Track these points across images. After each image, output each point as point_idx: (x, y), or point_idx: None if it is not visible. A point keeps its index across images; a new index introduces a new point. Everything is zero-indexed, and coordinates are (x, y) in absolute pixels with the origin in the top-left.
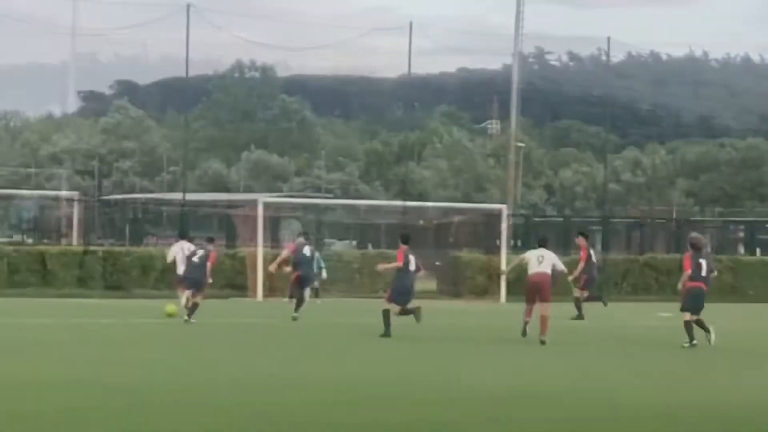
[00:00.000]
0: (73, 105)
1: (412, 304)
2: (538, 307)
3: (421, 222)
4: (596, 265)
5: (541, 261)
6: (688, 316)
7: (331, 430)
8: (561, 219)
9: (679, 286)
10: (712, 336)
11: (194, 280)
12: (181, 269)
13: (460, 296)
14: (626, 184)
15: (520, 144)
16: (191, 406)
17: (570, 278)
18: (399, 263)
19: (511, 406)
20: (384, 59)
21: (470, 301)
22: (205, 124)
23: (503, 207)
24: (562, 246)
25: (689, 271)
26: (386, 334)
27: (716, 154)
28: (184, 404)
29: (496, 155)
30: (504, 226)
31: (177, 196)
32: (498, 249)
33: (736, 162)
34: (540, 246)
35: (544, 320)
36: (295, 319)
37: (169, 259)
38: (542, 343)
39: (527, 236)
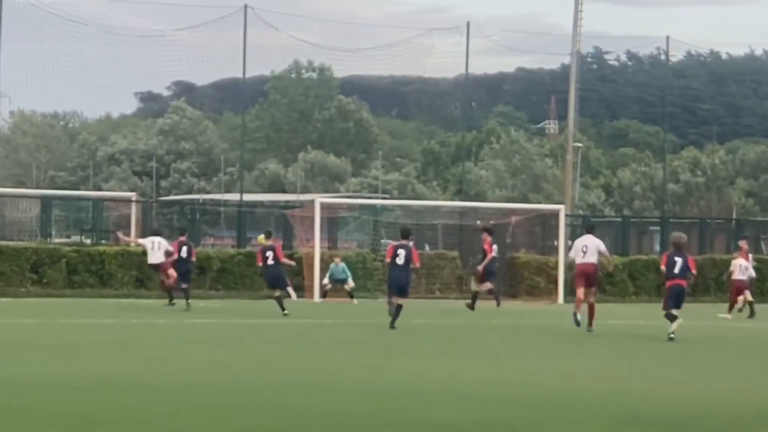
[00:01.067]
0: (131, 106)
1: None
2: (586, 296)
3: (478, 222)
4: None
5: (585, 251)
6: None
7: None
8: (620, 219)
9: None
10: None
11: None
12: (152, 259)
13: (517, 297)
14: (685, 185)
15: (578, 144)
16: (253, 406)
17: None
18: (387, 259)
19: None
20: (441, 59)
21: (527, 302)
22: (262, 125)
23: (561, 207)
24: (620, 247)
25: (663, 269)
26: (391, 325)
27: None
28: (249, 405)
29: (553, 155)
30: (562, 226)
31: (234, 196)
32: (555, 250)
33: None
34: (587, 233)
35: (591, 309)
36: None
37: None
38: (590, 331)
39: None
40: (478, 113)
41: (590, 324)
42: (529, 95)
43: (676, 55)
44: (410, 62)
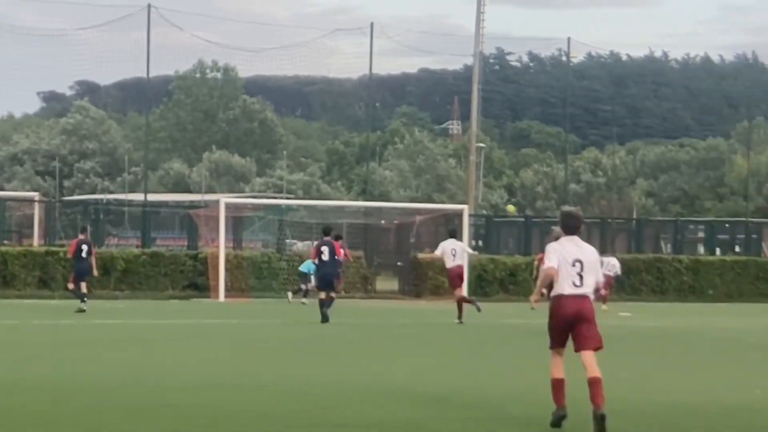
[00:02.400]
0: (33, 105)
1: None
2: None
3: (383, 222)
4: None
5: (455, 254)
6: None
7: (307, 430)
8: (522, 219)
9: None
10: None
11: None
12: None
13: (421, 296)
14: (586, 185)
15: (480, 144)
16: (158, 407)
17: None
18: (313, 258)
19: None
20: (345, 60)
21: (431, 301)
22: (167, 124)
23: (464, 207)
24: (523, 247)
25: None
26: (324, 320)
27: (676, 155)
28: (146, 405)
29: (457, 156)
30: (466, 226)
31: (138, 196)
32: None
33: (696, 162)
34: (451, 237)
35: (460, 303)
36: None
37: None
38: (460, 323)
39: (488, 237)
40: (382, 114)
41: (460, 317)
42: (432, 96)
43: (577, 57)
44: (315, 62)
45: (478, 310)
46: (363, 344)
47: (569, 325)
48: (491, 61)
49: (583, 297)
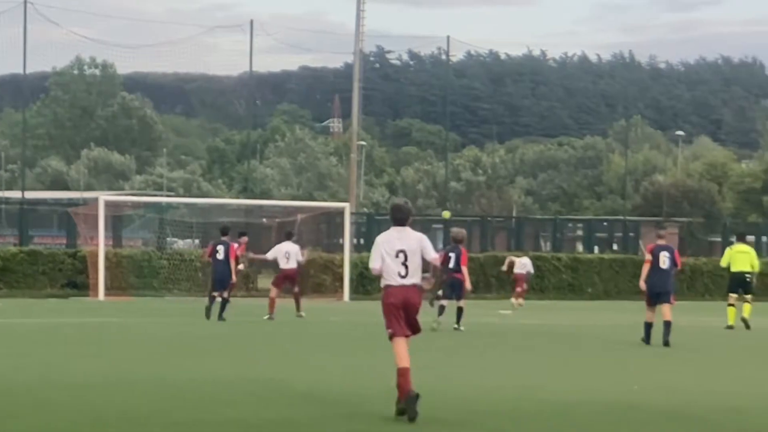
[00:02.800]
0: None
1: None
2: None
3: (264, 220)
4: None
5: (288, 257)
6: (445, 302)
7: (172, 429)
8: None
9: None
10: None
11: None
12: None
13: (303, 294)
14: (467, 183)
15: (362, 143)
16: (30, 405)
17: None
18: (207, 257)
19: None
20: (225, 57)
21: (313, 299)
22: (44, 121)
23: (346, 205)
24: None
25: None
26: (220, 318)
27: (554, 153)
28: (17, 403)
29: (338, 154)
30: (347, 224)
31: (16, 194)
32: (340, 247)
33: (574, 161)
34: (287, 239)
35: (297, 297)
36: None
37: None
38: (270, 318)
39: (370, 234)
40: (262, 111)
41: (298, 310)
42: (313, 94)
43: (457, 55)
44: (194, 59)
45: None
46: (242, 342)
47: (401, 313)
48: (371, 59)
49: (410, 287)
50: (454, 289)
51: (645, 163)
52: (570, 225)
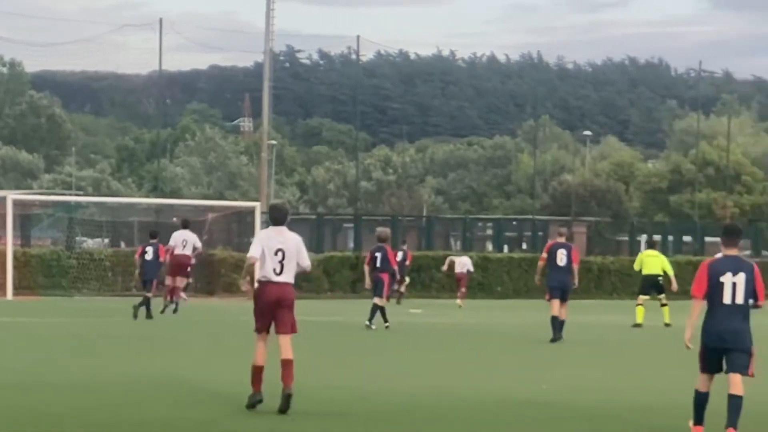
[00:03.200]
0: None
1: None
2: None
3: (175, 219)
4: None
5: (185, 244)
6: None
7: (95, 430)
8: (314, 217)
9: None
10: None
11: None
12: None
13: (214, 294)
14: (377, 182)
15: (272, 142)
16: None
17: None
18: (137, 256)
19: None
20: (134, 55)
21: (224, 299)
22: None
23: (257, 205)
24: (315, 244)
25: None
26: (147, 316)
27: (464, 153)
28: None
29: (248, 153)
30: (258, 223)
31: None
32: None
33: (484, 160)
34: (183, 227)
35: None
36: None
37: None
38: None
39: None
40: (172, 110)
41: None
42: (223, 93)
43: (367, 55)
44: (103, 58)
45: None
46: (154, 342)
47: (271, 310)
48: (281, 58)
49: (284, 284)
50: (378, 288)
51: (553, 163)
52: (480, 224)
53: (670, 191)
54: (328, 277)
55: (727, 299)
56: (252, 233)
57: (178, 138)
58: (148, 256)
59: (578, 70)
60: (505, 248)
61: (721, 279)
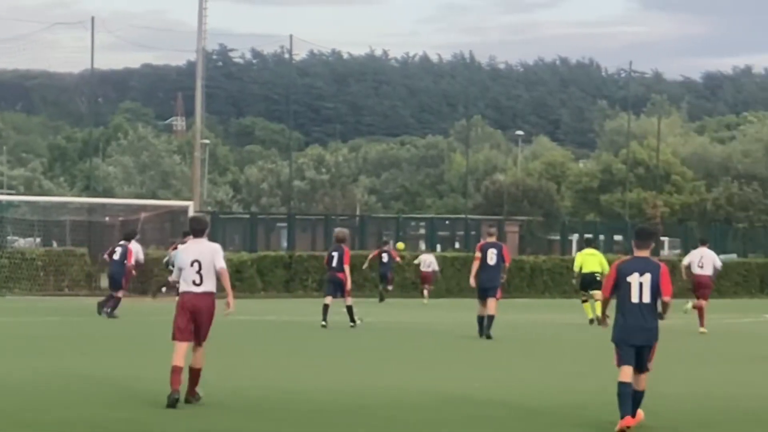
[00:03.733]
0: None
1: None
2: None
3: (107, 219)
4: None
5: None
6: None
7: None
8: (248, 216)
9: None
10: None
11: None
12: None
13: (147, 293)
14: (311, 182)
15: (205, 141)
16: None
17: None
18: (107, 256)
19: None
20: (66, 54)
21: (157, 298)
22: None
23: (190, 204)
24: (248, 243)
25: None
26: (110, 315)
27: (397, 152)
28: None
29: (181, 152)
30: None
31: None
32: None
33: (417, 160)
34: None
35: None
36: None
37: None
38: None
39: (214, 233)
40: (104, 109)
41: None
42: (155, 91)
43: (300, 54)
44: (35, 56)
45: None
46: (84, 342)
47: (191, 319)
48: (214, 57)
49: (203, 294)
50: (338, 288)
51: (485, 163)
52: (413, 223)
53: (601, 191)
54: (262, 277)
55: (634, 298)
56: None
57: (110, 137)
58: (116, 257)
59: (510, 70)
60: (438, 247)
61: (628, 279)
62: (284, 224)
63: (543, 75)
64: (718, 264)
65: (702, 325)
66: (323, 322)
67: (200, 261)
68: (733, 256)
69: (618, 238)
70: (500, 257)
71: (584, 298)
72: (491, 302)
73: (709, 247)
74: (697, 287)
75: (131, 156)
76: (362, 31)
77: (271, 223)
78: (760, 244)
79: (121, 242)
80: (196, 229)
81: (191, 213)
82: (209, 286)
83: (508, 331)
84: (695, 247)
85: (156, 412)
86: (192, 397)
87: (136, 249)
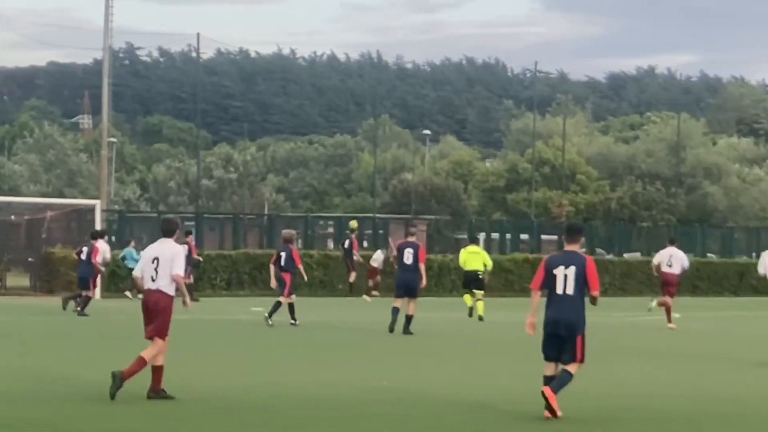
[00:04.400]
0: None
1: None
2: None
3: (13, 217)
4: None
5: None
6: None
7: None
8: (155, 215)
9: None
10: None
11: None
12: None
13: (54, 292)
14: (218, 180)
15: (112, 139)
16: None
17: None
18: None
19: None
20: None
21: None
22: None
23: (97, 203)
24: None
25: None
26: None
27: (305, 151)
28: None
29: (88, 150)
30: (98, 221)
31: None
32: None
33: (325, 158)
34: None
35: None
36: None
37: None
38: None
39: (121, 232)
40: (10, 107)
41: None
42: (62, 90)
43: (207, 53)
44: None
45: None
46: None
47: (147, 316)
48: (121, 55)
49: (157, 291)
50: (282, 286)
51: (393, 162)
52: (321, 222)
53: (507, 190)
54: None
55: (559, 290)
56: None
57: (16, 135)
58: (83, 256)
59: (417, 69)
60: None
61: (554, 271)
62: (192, 223)
63: (450, 75)
64: (686, 264)
65: (669, 321)
66: (269, 320)
67: (159, 259)
68: (637, 255)
69: (524, 237)
70: (415, 257)
71: (465, 292)
72: (410, 303)
73: (678, 247)
74: (665, 285)
75: (37, 154)
76: (270, 30)
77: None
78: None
79: (91, 241)
80: (164, 229)
81: (98, 212)
82: (163, 283)
83: (417, 328)
84: (664, 247)
85: (66, 411)
86: (154, 393)
87: (103, 248)
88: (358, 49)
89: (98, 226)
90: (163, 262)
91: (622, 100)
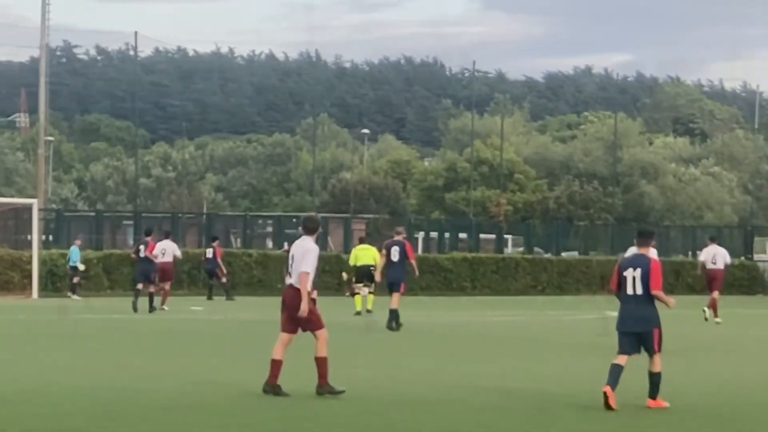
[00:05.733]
0: None
1: None
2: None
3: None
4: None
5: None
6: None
7: None
8: (93, 214)
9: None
10: None
11: None
12: None
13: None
14: (157, 179)
15: (49, 138)
16: None
17: None
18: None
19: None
20: None
21: (0, 297)
22: None
23: (34, 202)
24: (95, 242)
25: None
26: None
27: (244, 150)
28: None
29: (25, 149)
30: (35, 220)
31: None
32: (29, 244)
33: (263, 157)
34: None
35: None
36: None
37: None
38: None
39: (59, 231)
40: None
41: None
42: None
43: (145, 51)
44: None
45: None
46: None
47: (284, 310)
48: (58, 53)
49: (290, 287)
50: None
51: (332, 161)
52: (260, 221)
53: (446, 189)
54: (108, 275)
55: (629, 290)
56: (29, 230)
57: None
58: (141, 254)
59: (356, 68)
60: (285, 245)
61: (624, 273)
62: (130, 222)
63: (388, 74)
64: (728, 259)
65: (716, 316)
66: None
67: (294, 256)
68: (575, 254)
69: (463, 236)
70: (403, 254)
71: (356, 292)
72: (395, 297)
73: (719, 244)
74: (711, 281)
75: None
76: (208, 28)
77: (117, 220)
78: (600, 241)
79: (145, 239)
80: (307, 227)
81: (35, 211)
82: (296, 279)
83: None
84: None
85: (12, 412)
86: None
87: (170, 247)
88: (297, 48)
89: (35, 226)
90: (297, 259)
91: (559, 100)
